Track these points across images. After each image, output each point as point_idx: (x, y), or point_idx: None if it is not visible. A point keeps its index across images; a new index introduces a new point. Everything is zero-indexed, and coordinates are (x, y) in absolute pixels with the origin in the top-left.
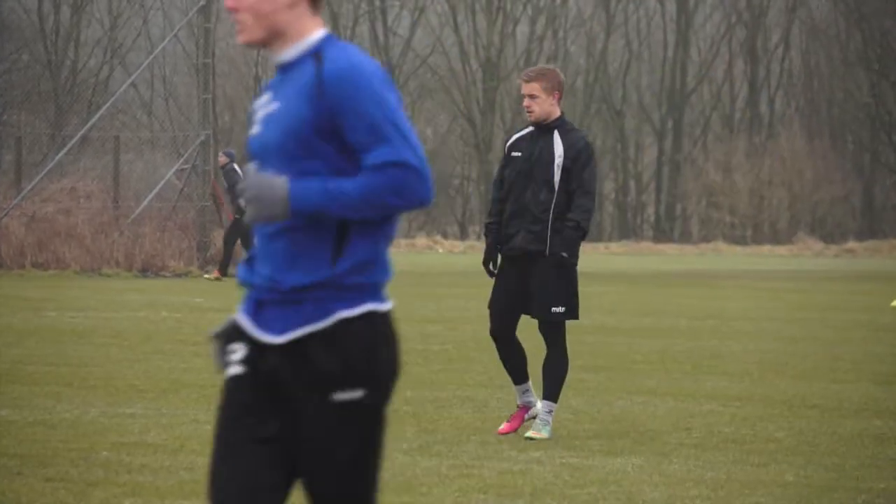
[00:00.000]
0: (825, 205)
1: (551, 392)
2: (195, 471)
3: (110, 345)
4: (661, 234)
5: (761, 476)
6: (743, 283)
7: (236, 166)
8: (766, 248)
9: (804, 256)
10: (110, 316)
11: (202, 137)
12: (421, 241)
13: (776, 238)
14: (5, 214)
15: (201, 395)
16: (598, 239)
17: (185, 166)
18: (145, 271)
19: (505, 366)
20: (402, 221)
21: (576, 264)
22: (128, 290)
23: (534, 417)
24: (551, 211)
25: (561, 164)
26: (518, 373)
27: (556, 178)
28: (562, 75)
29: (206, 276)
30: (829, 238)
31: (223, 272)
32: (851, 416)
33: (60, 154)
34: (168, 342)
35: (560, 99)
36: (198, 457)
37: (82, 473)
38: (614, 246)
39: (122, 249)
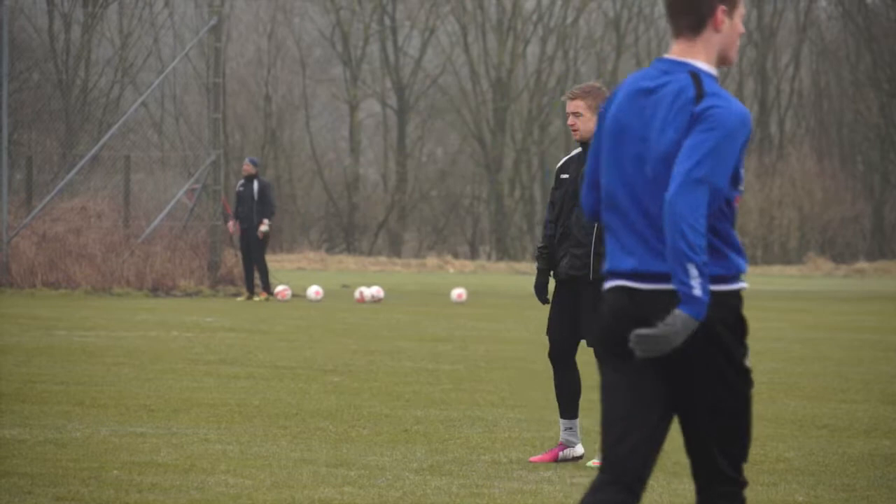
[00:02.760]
0: (835, 225)
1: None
2: (205, 490)
3: (121, 364)
4: None
5: (771, 496)
6: (752, 302)
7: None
8: (776, 268)
9: (814, 276)
10: (121, 335)
11: (213, 157)
12: (432, 261)
13: (786, 258)
14: (16, 234)
15: (212, 415)
16: None
17: (196, 186)
18: (156, 290)
19: (556, 394)
20: (413, 242)
21: None
22: (138, 310)
23: (569, 459)
24: (593, 234)
25: None
26: (566, 405)
27: None
28: (607, 92)
29: (255, 298)
30: (838, 258)
31: (268, 290)
32: (861, 436)
33: (71, 173)
34: (179, 361)
35: None
36: (208, 476)
37: (93, 493)
38: None
39: (132, 269)
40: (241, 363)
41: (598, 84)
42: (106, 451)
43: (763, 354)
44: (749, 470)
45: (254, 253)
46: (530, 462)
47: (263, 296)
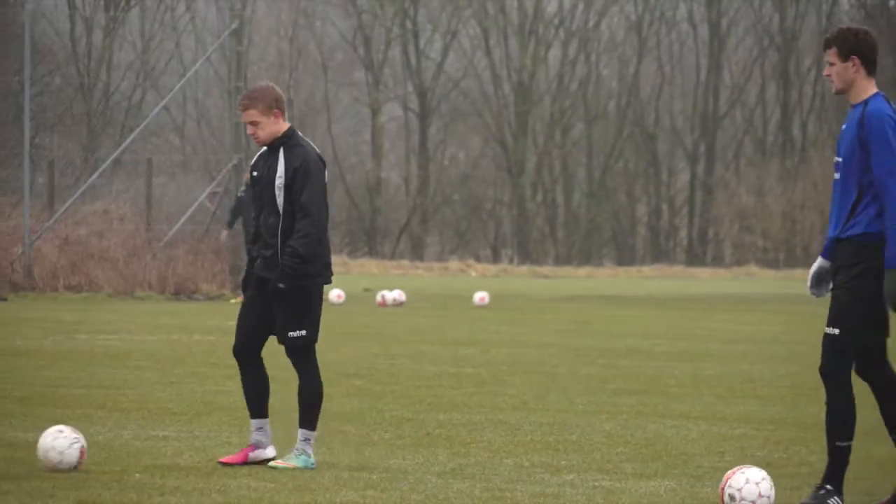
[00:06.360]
0: None
1: (305, 419)
2: (227, 493)
3: (143, 368)
4: (694, 257)
5: (794, 500)
6: (775, 306)
7: None
8: (798, 272)
9: None
10: (143, 339)
11: (234, 161)
12: (454, 264)
13: (808, 262)
14: (38, 237)
15: (234, 418)
16: (631, 262)
17: (218, 189)
18: (178, 294)
19: (244, 394)
20: (435, 245)
21: (318, 286)
22: (160, 313)
23: (260, 461)
24: (279, 235)
25: (282, 184)
26: (255, 405)
27: (280, 199)
28: (277, 89)
29: (231, 301)
30: None
31: None
32: (883, 440)
33: (93, 177)
34: (201, 365)
35: (283, 114)
36: (230, 479)
37: (115, 496)
38: (647, 269)
39: (154, 272)
40: None
41: (263, 84)
42: (128, 454)
43: (785, 358)
44: (772, 474)
45: None
46: (220, 463)
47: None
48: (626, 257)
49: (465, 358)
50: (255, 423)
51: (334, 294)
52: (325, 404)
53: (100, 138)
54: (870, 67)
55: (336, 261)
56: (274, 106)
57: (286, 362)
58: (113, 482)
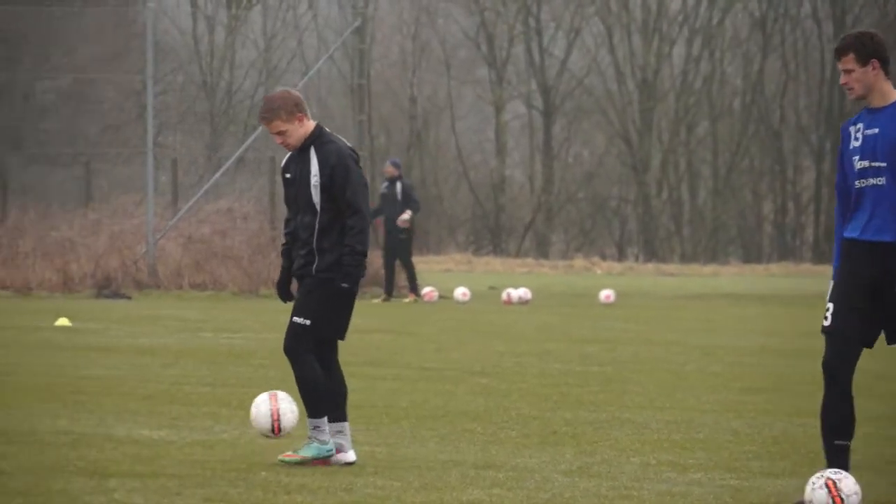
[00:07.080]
0: None
1: (306, 410)
2: (353, 492)
3: (268, 366)
4: (821, 255)
5: None
6: None
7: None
8: None
9: None
10: (267, 337)
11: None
12: (579, 262)
13: None
14: (162, 235)
15: (359, 416)
16: (758, 260)
17: None
18: None
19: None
20: (560, 243)
21: (353, 288)
22: (285, 312)
23: (345, 464)
24: (315, 234)
25: (318, 183)
26: (331, 407)
27: (316, 198)
28: (294, 93)
29: (405, 300)
30: None
31: (416, 292)
32: None
33: (216, 175)
34: None
35: (307, 115)
36: (356, 477)
37: (241, 494)
38: (773, 267)
39: (279, 270)
40: (388, 364)
41: (278, 93)
42: (254, 452)
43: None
44: (885, 471)
45: (400, 254)
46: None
47: (412, 298)
48: (752, 255)
49: (591, 356)
50: (332, 426)
51: (459, 292)
52: (450, 403)
53: (222, 136)
54: (886, 68)
55: (461, 259)
56: (296, 111)
57: (415, 361)
58: (239, 480)
